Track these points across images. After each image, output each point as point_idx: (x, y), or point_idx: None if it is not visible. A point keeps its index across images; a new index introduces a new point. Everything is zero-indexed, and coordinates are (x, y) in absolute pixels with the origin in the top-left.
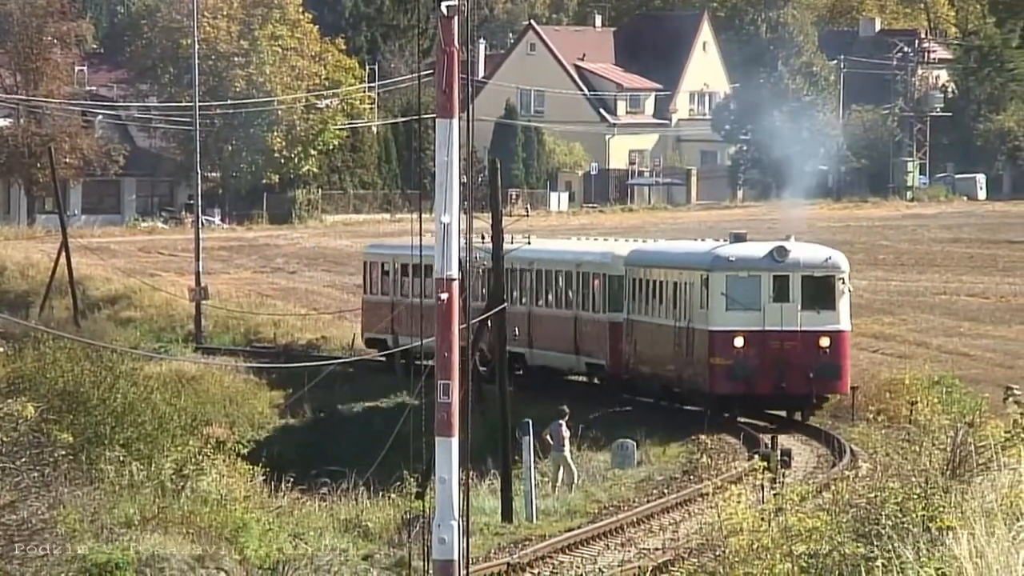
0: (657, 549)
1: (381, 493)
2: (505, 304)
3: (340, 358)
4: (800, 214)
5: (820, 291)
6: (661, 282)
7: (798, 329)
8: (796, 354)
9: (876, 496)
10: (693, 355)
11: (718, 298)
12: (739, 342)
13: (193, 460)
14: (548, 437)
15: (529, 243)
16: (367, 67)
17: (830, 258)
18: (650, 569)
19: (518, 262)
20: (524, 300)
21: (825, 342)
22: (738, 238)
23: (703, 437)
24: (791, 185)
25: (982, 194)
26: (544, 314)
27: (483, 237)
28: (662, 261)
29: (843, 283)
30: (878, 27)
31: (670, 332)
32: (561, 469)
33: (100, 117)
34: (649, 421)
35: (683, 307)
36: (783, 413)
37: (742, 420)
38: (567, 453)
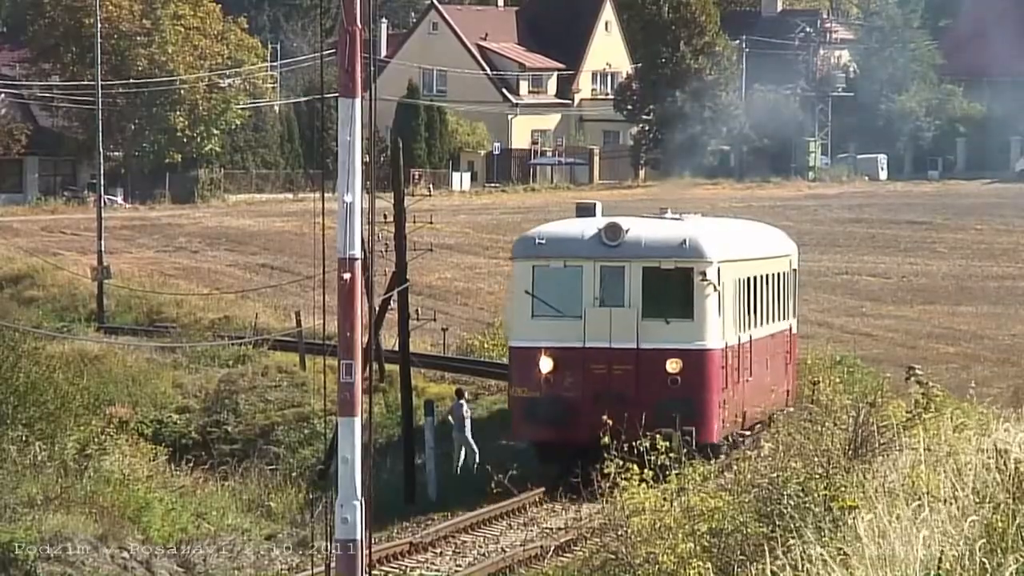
0: (560, 529)
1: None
2: (408, 283)
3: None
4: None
5: (670, 290)
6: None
7: (635, 347)
8: (630, 384)
9: (778, 476)
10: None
11: (521, 300)
12: (547, 365)
13: (96, 440)
14: (450, 418)
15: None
16: (269, 46)
17: (687, 241)
18: (553, 548)
19: None
20: None
21: (674, 366)
22: (583, 211)
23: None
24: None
25: (884, 174)
26: None
27: (385, 217)
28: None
29: (705, 278)
30: (780, 7)
31: None
32: (463, 450)
33: (2, 96)
34: None
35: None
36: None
37: None
38: (468, 433)
